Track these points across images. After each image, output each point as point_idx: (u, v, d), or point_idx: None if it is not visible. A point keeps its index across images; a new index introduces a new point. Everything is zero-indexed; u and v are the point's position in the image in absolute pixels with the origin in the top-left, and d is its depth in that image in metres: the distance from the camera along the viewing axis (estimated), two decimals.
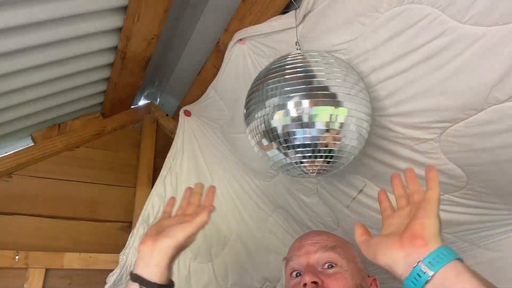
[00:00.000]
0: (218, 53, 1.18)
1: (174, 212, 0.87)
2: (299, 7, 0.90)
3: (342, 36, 0.84)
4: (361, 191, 1.09)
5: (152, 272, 0.69)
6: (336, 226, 1.31)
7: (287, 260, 0.88)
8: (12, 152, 1.37)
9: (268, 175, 1.36)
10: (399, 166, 0.92)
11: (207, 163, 1.45)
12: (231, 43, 1.08)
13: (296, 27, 0.92)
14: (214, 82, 1.25)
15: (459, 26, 0.65)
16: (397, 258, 0.53)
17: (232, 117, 1.29)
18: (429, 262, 0.49)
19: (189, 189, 0.90)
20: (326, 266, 0.81)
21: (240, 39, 1.05)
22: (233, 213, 1.44)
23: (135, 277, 0.70)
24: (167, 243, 0.72)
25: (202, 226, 0.77)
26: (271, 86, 0.77)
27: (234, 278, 1.37)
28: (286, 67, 0.78)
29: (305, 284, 0.76)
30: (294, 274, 0.85)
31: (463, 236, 0.97)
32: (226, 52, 1.11)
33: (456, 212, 0.93)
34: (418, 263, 0.50)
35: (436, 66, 0.71)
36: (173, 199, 0.90)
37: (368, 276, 0.87)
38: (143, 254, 0.71)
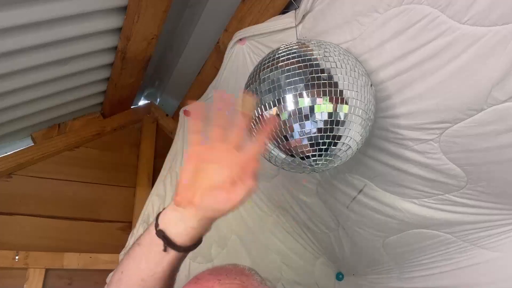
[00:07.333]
0: (218, 53, 1.18)
1: None
2: (298, 7, 0.90)
3: (341, 36, 0.84)
4: (361, 191, 1.09)
5: None
6: (336, 226, 1.31)
7: None
8: (12, 152, 1.37)
9: (268, 175, 1.36)
10: (399, 167, 0.92)
11: None
12: (231, 43, 1.08)
13: (296, 27, 0.92)
14: (214, 82, 1.24)
15: (458, 26, 0.65)
16: None
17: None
18: None
19: None
20: None
21: (240, 39, 1.05)
22: (233, 213, 1.44)
23: None
24: None
25: None
26: (268, 81, 0.73)
27: None
28: (282, 56, 0.73)
29: None
30: None
31: (463, 236, 0.97)
32: (226, 52, 1.11)
33: (456, 212, 0.92)
34: None
35: (436, 67, 0.71)
36: None
37: None
38: None
